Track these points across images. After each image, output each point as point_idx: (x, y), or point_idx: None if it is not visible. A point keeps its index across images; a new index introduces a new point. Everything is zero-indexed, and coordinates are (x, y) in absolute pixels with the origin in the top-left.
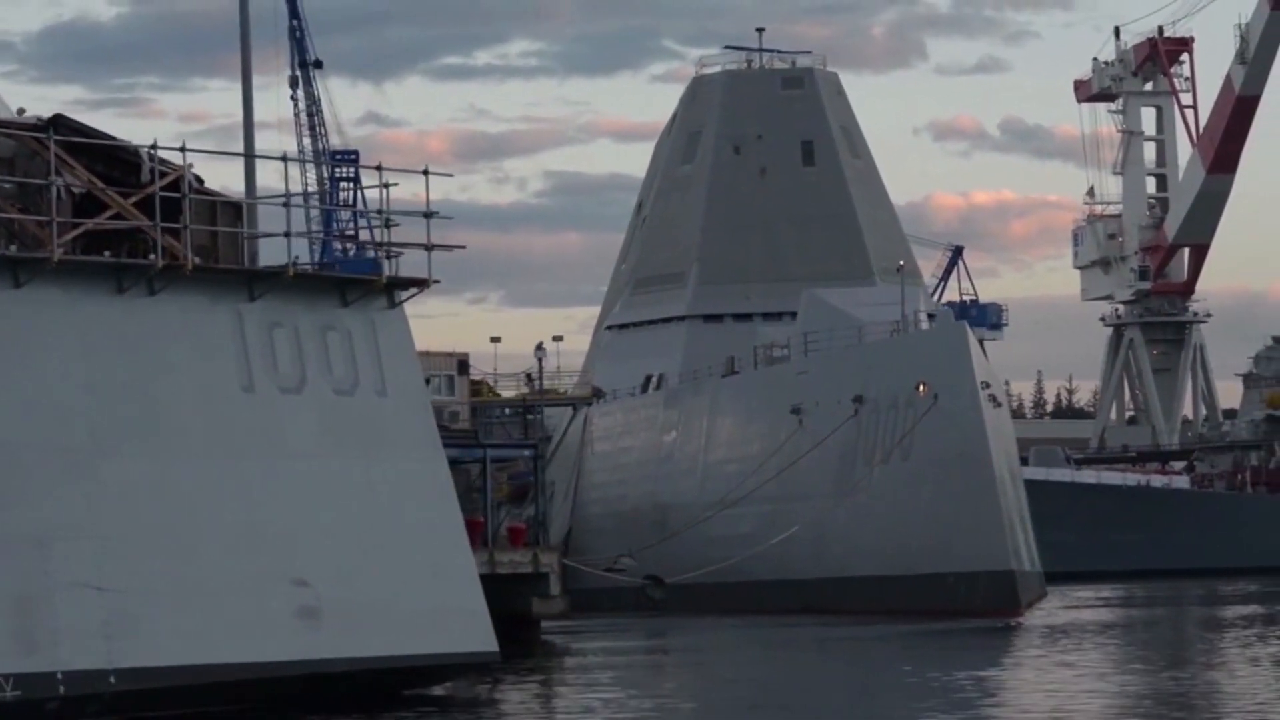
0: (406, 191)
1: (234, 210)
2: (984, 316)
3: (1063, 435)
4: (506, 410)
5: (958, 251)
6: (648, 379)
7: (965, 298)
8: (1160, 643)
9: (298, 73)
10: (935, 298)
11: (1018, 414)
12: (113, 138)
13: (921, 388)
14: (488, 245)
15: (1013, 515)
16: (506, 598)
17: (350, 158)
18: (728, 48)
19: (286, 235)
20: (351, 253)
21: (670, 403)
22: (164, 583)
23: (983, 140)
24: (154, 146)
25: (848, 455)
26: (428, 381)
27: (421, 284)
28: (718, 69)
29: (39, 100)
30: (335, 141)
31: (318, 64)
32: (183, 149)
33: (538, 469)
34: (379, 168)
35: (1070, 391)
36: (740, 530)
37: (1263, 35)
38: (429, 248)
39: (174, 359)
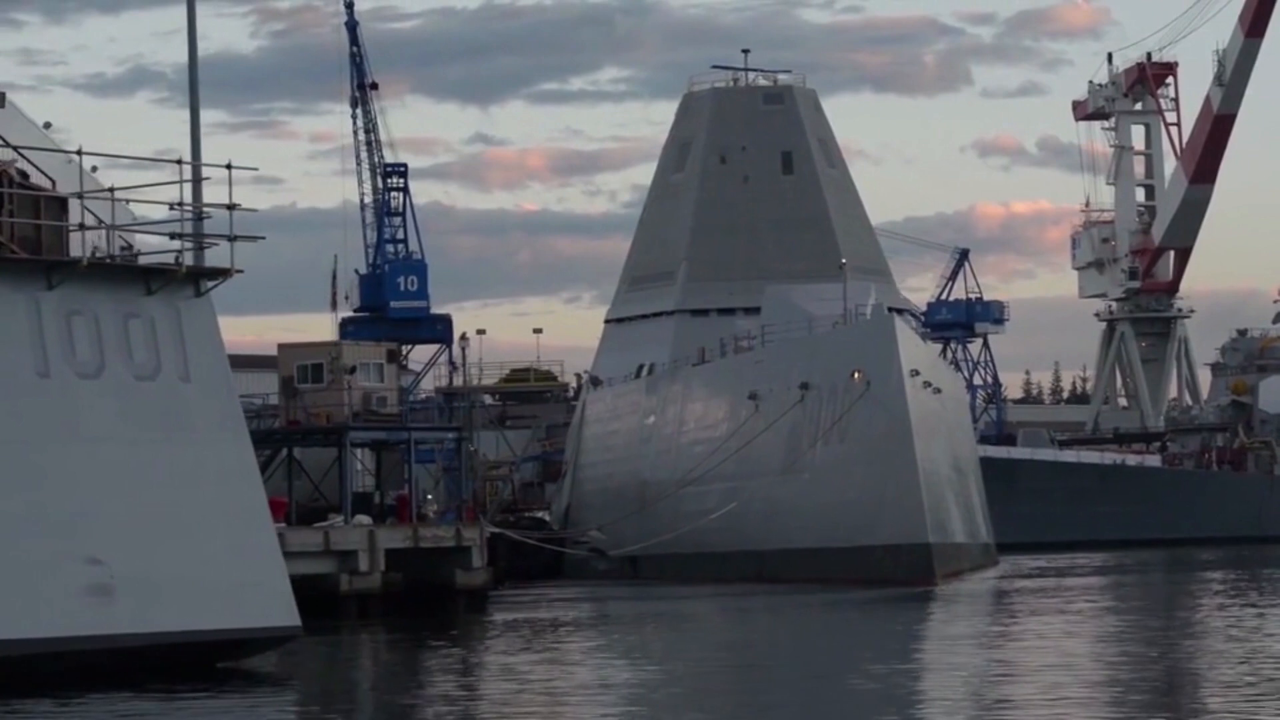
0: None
1: (59, 204)
2: (987, 313)
3: (1071, 419)
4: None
5: (964, 254)
6: (640, 368)
7: (971, 296)
8: (1025, 608)
9: (356, 94)
10: (944, 295)
11: (1036, 400)
12: None
13: (856, 375)
14: (581, 250)
15: (942, 493)
16: (431, 570)
17: (399, 169)
18: (715, 67)
19: (81, 228)
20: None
21: (651, 389)
22: None
23: (1022, 156)
24: None
25: (794, 437)
26: (353, 370)
27: (225, 274)
28: (707, 86)
29: (186, 124)
30: (388, 155)
31: (374, 86)
32: None
33: (461, 450)
34: (179, 161)
35: (1084, 380)
36: (705, 505)
37: (1238, 60)
38: (232, 239)
39: None
